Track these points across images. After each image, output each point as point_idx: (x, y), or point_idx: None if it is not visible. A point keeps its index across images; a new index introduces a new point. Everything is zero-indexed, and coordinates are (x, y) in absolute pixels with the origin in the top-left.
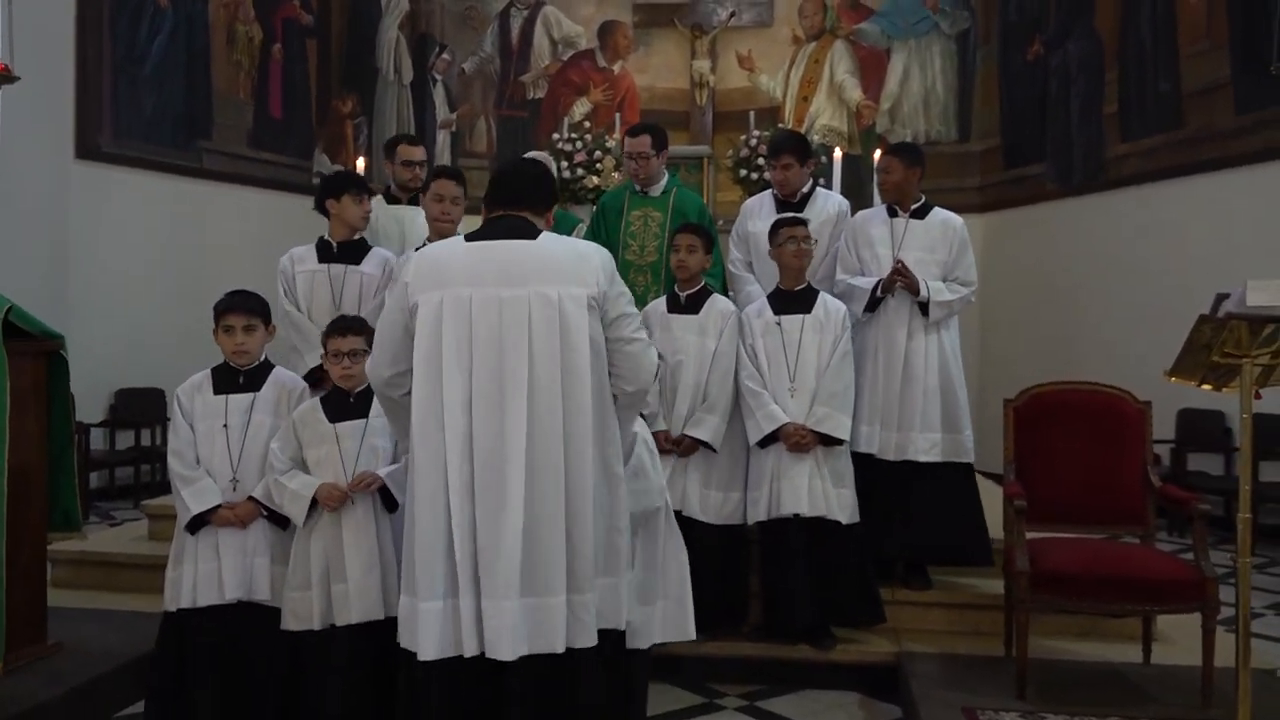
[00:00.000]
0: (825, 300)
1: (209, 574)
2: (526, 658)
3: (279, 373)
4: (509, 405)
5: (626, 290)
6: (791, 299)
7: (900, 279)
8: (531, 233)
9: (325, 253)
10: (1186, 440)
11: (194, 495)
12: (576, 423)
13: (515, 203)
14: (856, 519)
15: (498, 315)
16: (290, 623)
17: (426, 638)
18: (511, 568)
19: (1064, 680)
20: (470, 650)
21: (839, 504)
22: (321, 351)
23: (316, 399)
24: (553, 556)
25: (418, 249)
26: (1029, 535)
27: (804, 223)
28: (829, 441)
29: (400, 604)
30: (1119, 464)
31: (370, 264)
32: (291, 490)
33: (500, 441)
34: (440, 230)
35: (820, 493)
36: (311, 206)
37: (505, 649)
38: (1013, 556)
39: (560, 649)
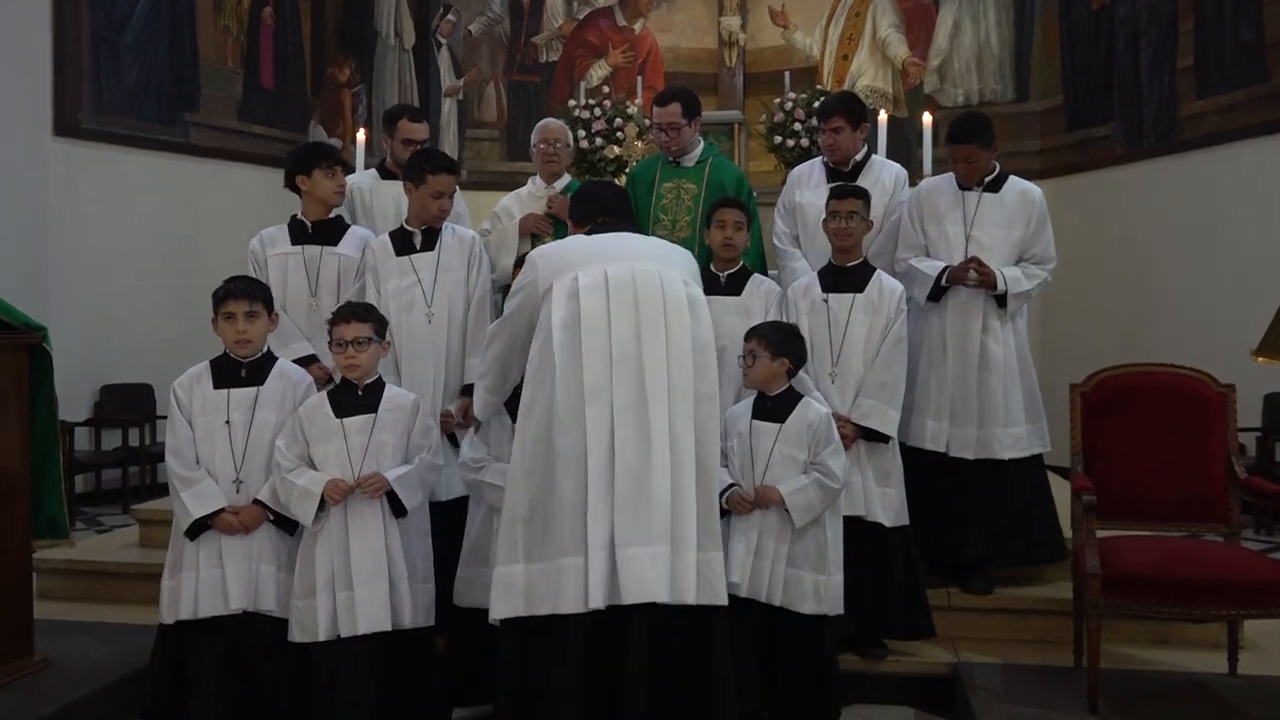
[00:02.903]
0: (881, 279)
1: (212, 582)
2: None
3: (283, 365)
4: (647, 363)
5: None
6: (843, 276)
7: (976, 275)
8: (641, 233)
9: (299, 233)
10: (1275, 428)
11: (194, 498)
12: (706, 390)
13: (614, 214)
14: (904, 521)
15: (631, 281)
16: (296, 634)
17: (568, 593)
18: (661, 517)
19: (1140, 692)
20: (599, 600)
21: (882, 504)
22: (300, 345)
23: (324, 393)
24: (687, 512)
25: (393, 233)
26: (1100, 534)
27: (856, 194)
28: (873, 437)
29: (511, 573)
30: (1199, 454)
31: (349, 244)
32: (300, 488)
33: (640, 397)
34: (432, 222)
35: (859, 490)
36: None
37: (657, 590)
38: (1082, 557)
39: (690, 600)
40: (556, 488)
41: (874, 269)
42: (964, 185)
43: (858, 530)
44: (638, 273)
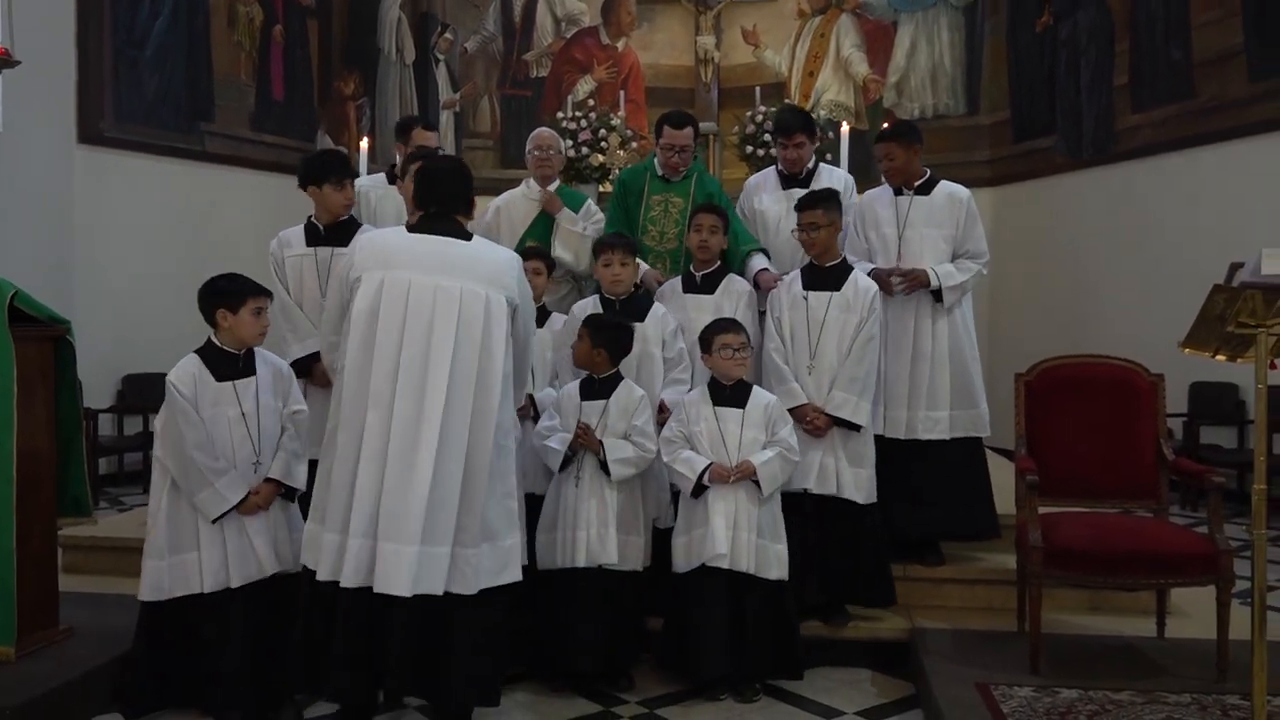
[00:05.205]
0: (857, 279)
1: (241, 551)
2: (415, 597)
3: (263, 353)
4: (430, 381)
5: (532, 301)
6: (821, 275)
7: (902, 284)
8: (465, 235)
9: (313, 236)
10: (1199, 413)
11: (228, 486)
12: (485, 405)
13: (446, 203)
14: (873, 500)
15: (431, 300)
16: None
17: (324, 563)
18: (415, 520)
19: (1078, 654)
20: (355, 581)
21: (854, 484)
22: (311, 342)
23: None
24: (448, 515)
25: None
26: (1041, 510)
27: (813, 204)
28: (844, 425)
29: (307, 528)
30: (1131, 438)
31: None
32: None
33: (417, 413)
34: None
35: (832, 471)
36: None
37: (401, 586)
38: (1025, 532)
39: (440, 591)
40: (335, 473)
41: (851, 269)
42: (897, 189)
43: (831, 508)
44: (439, 289)
